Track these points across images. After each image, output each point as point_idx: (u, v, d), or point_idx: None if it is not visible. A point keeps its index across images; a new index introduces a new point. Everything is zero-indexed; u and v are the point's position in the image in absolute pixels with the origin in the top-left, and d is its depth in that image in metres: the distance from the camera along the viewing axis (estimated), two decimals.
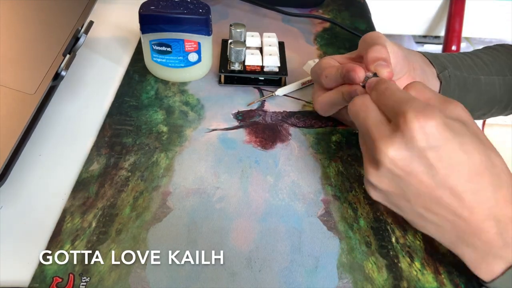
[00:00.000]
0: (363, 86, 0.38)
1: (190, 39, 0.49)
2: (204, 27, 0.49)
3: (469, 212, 0.29)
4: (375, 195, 0.34)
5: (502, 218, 0.29)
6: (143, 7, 0.48)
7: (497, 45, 0.56)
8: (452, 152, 0.29)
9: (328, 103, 0.44)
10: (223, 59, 0.54)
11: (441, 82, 0.47)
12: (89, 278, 0.33)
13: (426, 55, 0.48)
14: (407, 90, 0.34)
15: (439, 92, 0.48)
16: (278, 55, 0.53)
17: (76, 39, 0.46)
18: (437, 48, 1.51)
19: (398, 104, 0.31)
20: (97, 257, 0.35)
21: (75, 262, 0.34)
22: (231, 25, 0.54)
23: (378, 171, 0.31)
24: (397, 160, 0.30)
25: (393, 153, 0.30)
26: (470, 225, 0.30)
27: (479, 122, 1.48)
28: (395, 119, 0.30)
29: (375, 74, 0.38)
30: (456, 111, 0.31)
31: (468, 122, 0.31)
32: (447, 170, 0.29)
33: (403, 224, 0.38)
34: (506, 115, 0.56)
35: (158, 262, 0.35)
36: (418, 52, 0.48)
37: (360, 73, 0.38)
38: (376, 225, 0.38)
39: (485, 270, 0.30)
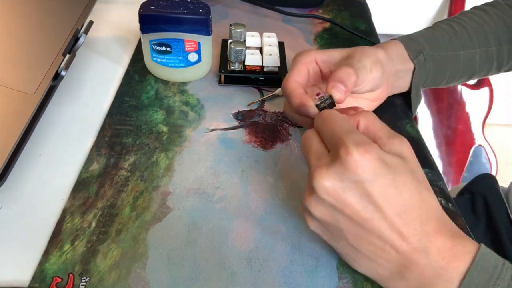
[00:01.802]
0: (318, 106, 0.38)
1: (190, 39, 0.49)
2: (204, 27, 0.49)
3: (400, 243, 0.30)
4: (312, 225, 0.34)
5: (431, 249, 0.30)
6: (143, 7, 0.48)
7: (487, 4, 0.55)
8: (385, 186, 0.29)
9: (291, 116, 0.44)
10: (223, 59, 0.54)
11: (414, 68, 0.48)
12: (89, 278, 0.33)
13: (402, 40, 0.49)
14: (358, 117, 0.34)
15: (413, 76, 0.49)
16: (278, 55, 0.53)
17: (76, 39, 0.46)
18: None
19: (338, 134, 0.31)
20: (97, 257, 0.35)
21: (74, 262, 0.34)
22: (231, 25, 0.54)
23: (313, 197, 0.32)
24: (330, 190, 0.30)
25: (327, 182, 0.30)
26: (402, 256, 0.30)
27: (479, 122, 1.48)
28: (333, 149, 0.31)
29: (330, 97, 0.38)
30: (399, 147, 0.32)
31: (408, 159, 0.31)
32: (379, 203, 0.30)
33: None
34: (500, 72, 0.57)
35: (158, 262, 0.35)
36: (395, 41, 0.49)
37: (311, 110, 0.39)
38: None
39: None
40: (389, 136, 0.32)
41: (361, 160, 0.29)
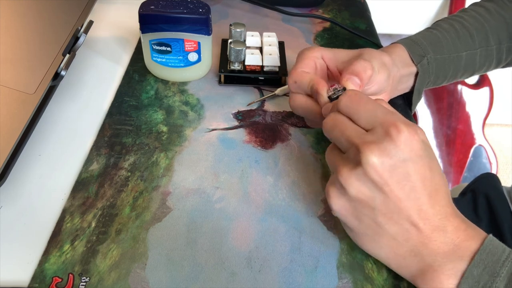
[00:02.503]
0: (330, 97, 0.38)
1: (190, 38, 0.49)
2: (204, 27, 0.49)
3: (423, 222, 0.31)
4: (337, 203, 0.33)
5: (449, 228, 0.32)
6: (143, 7, 0.48)
7: (486, 0, 0.55)
8: (424, 168, 0.31)
9: (297, 109, 0.43)
10: (223, 59, 0.54)
11: (417, 73, 0.48)
12: (88, 278, 0.33)
13: (406, 45, 0.48)
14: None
15: (416, 81, 0.49)
16: (278, 55, 0.53)
17: (75, 38, 0.46)
18: None
19: (380, 114, 0.32)
20: (96, 257, 0.35)
21: (74, 262, 0.34)
22: (231, 25, 0.54)
23: (354, 172, 0.31)
24: (379, 166, 0.31)
25: (377, 158, 0.30)
26: (422, 235, 0.32)
27: (479, 122, 1.48)
28: (379, 128, 0.32)
29: (344, 89, 0.38)
30: (423, 134, 0.33)
31: (430, 146, 0.33)
32: (417, 183, 0.31)
33: None
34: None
35: (158, 262, 0.35)
36: (398, 45, 0.48)
37: (322, 98, 0.39)
38: None
39: (429, 280, 0.32)
40: (408, 123, 0.33)
41: (411, 140, 0.31)
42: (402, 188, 0.31)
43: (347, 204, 0.33)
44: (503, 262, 0.30)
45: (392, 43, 0.50)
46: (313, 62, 0.43)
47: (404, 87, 0.49)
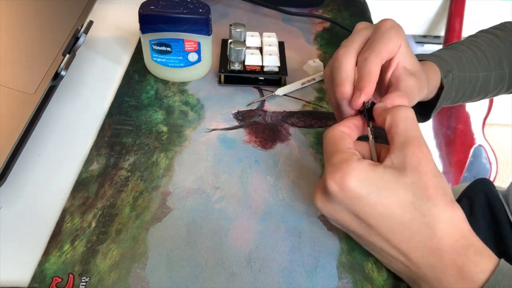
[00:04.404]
0: (360, 110, 0.37)
1: (190, 39, 0.49)
2: (204, 27, 0.49)
3: (404, 258, 0.30)
4: (332, 221, 0.36)
5: (438, 265, 0.29)
6: (143, 7, 0.48)
7: (495, 28, 0.56)
8: (370, 205, 0.30)
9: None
10: (223, 59, 0.54)
11: (442, 87, 0.48)
12: (88, 278, 0.33)
13: (436, 62, 0.48)
14: (386, 115, 0.33)
15: (440, 95, 0.49)
16: (278, 55, 0.53)
17: (75, 38, 0.46)
18: (437, 48, 1.52)
19: (326, 158, 0.33)
20: (96, 257, 0.35)
21: (74, 262, 0.34)
22: (231, 25, 0.54)
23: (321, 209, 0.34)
24: (324, 209, 0.33)
25: (320, 202, 0.33)
26: (410, 269, 0.30)
27: (479, 122, 1.48)
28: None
29: (372, 103, 0.37)
30: (406, 157, 0.30)
31: (413, 170, 0.29)
32: (369, 221, 0.30)
33: None
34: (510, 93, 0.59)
35: (158, 262, 0.35)
36: (433, 65, 0.48)
37: (351, 111, 0.38)
38: None
39: None
40: (400, 143, 0.31)
41: (338, 186, 0.30)
42: (358, 226, 0.31)
43: (337, 223, 0.35)
44: None
45: (428, 60, 0.48)
46: (393, 49, 0.37)
47: (423, 99, 0.49)
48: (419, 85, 0.39)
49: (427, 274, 0.30)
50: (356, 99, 0.36)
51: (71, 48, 0.45)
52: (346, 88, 0.36)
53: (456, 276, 0.28)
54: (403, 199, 0.29)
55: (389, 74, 0.40)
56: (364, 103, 0.36)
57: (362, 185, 0.29)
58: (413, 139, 0.30)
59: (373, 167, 0.30)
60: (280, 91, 0.51)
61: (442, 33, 1.44)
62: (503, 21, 0.57)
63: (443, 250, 0.28)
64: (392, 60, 0.38)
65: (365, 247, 0.35)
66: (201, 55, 0.51)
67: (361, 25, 0.40)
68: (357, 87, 0.36)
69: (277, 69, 0.52)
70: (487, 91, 0.54)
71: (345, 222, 0.32)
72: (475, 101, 0.56)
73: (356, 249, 0.37)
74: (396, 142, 0.31)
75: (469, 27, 1.37)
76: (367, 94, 0.35)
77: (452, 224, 0.29)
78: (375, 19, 0.71)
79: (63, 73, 0.43)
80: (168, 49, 0.50)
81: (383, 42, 0.36)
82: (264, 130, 0.47)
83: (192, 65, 0.52)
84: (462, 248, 0.29)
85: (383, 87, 0.41)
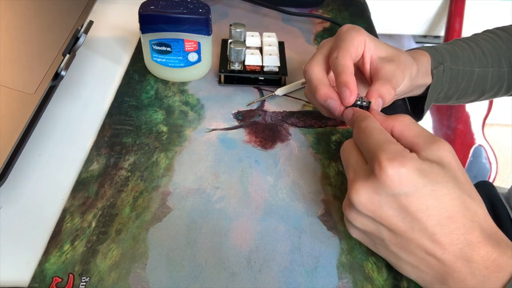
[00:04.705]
0: (355, 105, 0.38)
1: (190, 39, 0.49)
2: (204, 27, 0.49)
3: (441, 252, 0.30)
4: (354, 233, 0.35)
5: (475, 258, 0.29)
6: (143, 7, 0.48)
7: (498, 28, 0.56)
8: (423, 198, 0.29)
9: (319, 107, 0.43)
10: (223, 59, 0.54)
11: (432, 78, 0.48)
12: (88, 278, 0.33)
13: (429, 51, 0.49)
14: (392, 122, 0.34)
15: (430, 87, 0.49)
16: (278, 55, 0.53)
17: (76, 38, 0.46)
18: None
19: (374, 147, 0.31)
20: (96, 257, 0.35)
21: (74, 262, 0.34)
22: (231, 25, 0.54)
23: (353, 210, 0.32)
24: (367, 204, 0.31)
25: (363, 197, 0.31)
26: (443, 264, 0.30)
27: (479, 122, 1.48)
28: (370, 163, 0.31)
29: (369, 102, 0.38)
30: (439, 152, 0.31)
31: (449, 164, 0.31)
32: (418, 215, 0.30)
33: None
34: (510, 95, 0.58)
35: (158, 262, 0.35)
36: (425, 53, 0.48)
37: (340, 108, 0.38)
38: None
39: None
40: (426, 141, 0.31)
41: (396, 175, 0.29)
42: (401, 221, 0.30)
43: (362, 234, 0.34)
44: None
45: (418, 49, 0.49)
46: (359, 46, 0.40)
47: (419, 92, 0.50)
48: (401, 66, 0.40)
49: (461, 269, 0.30)
50: (346, 96, 0.37)
51: (71, 48, 0.45)
52: (323, 90, 0.39)
53: (491, 268, 0.29)
54: (452, 193, 0.30)
55: (367, 69, 0.41)
56: (358, 102, 0.37)
57: (418, 176, 0.29)
58: (434, 137, 0.32)
59: (423, 160, 0.30)
60: (280, 91, 0.51)
61: (442, 33, 1.44)
62: (507, 24, 0.57)
63: (482, 243, 0.29)
64: (364, 56, 0.41)
65: (383, 253, 0.34)
66: (201, 55, 0.51)
67: (323, 41, 0.43)
68: (338, 83, 0.38)
69: (277, 69, 0.52)
70: (484, 88, 0.54)
71: (386, 219, 0.31)
72: (472, 100, 0.56)
73: (356, 249, 0.37)
74: (420, 143, 0.32)
75: (469, 27, 1.37)
76: (351, 88, 0.37)
77: (486, 218, 0.30)
78: (375, 19, 0.71)
79: (63, 73, 0.43)
80: (168, 49, 0.50)
81: (347, 40, 0.39)
82: (264, 130, 0.47)
83: (192, 65, 0.52)
84: (495, 241, 0.30)
85: (369, 84, 0.42)
